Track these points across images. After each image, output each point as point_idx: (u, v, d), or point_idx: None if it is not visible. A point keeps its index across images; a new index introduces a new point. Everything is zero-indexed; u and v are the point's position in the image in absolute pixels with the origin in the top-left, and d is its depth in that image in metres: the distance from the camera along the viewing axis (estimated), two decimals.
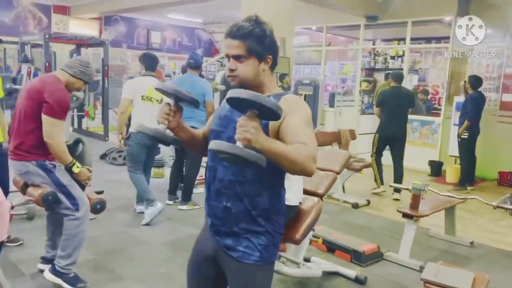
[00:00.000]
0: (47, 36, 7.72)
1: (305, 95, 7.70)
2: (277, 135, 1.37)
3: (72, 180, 2.67)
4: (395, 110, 5.45)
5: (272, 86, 1.50)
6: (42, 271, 2.81)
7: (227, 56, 1.44)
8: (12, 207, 2.96)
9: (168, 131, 1.47)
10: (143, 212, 4.26)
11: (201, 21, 13.12)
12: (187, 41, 14.16)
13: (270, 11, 5.90)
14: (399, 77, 5.63)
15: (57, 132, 2.53)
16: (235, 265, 1.44)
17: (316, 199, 2.52)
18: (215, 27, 13.15)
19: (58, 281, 2.66)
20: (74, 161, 2.63)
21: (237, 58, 1.41)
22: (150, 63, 4.27)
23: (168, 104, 1.45)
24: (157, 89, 1.47)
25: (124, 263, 3.21)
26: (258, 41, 1.41)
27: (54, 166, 2.62)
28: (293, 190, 2.18)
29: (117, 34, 12.72)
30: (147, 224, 3.99)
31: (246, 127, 1.17)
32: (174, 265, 3.16)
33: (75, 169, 2.62)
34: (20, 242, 3.34)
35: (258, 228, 1.43)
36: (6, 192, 3.20)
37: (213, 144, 1.21)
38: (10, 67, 8.67)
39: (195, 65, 4.51)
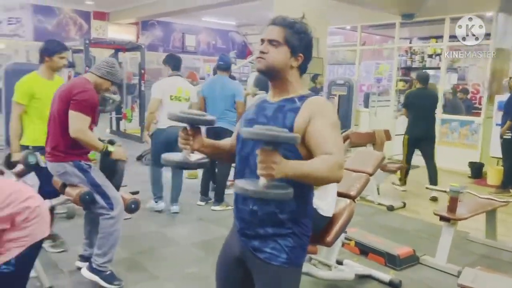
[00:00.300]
0: (87, 41, 8.01)
1: (338, 95, 7.61)
2: (303, 138, 1.37)
3: (107, 180, 2.76)
4: (420, 111, 5.44)
5: (299, 86, 1.49)
6: (80, 268, 2.90)
7: (262, 40, 1.46)
8: (52, 207, 3.08)
9: (194, 153, 1.49)
10: (177, 212, 4.35)
11: (235, 23, 13.23)
12: (221, 44, 14.32)
13: (303, 11, 5.87)
14: (424, 78, 5.64)
15: (84, 126, 2.62)
16: (262, 266, 1.44)
17: (348, 200, 2.48)
18: (249, 29, 13.24)
19: (95, 278, 2.75)
20: (106, 144, 2.73)
21: (272, 42, 1.43)
22: (175, 63, 4.39)
23: (185, 128, 1.47)
24: (169, 117, 1.47)
25: (157, 262, 3.28)
26: (296, 35, 1.44)
27: (90, 167, 2.72)
28: (327, 201, 2.16)
29: (153, 38, 13.02)
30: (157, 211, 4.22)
31: (267, 163, 1.17)
32: (206, 265, 3.19)
33: (111, 149, 2.73)
34: (60, 240, 3.46)
35: (285, 230, 1.42)
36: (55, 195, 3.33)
37: (238, 184, 1.23)
38: None
39: (224, 67, 4.58)
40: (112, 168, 2.84)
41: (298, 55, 1.46)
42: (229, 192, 4.78)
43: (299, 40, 1.44)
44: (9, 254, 1.54)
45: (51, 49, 3.19)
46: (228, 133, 4.26)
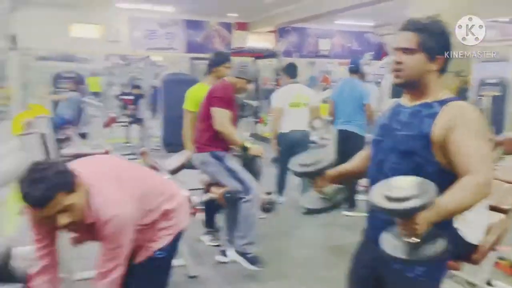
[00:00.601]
0: (229, 51, 8.67)
1: (490, 96, 6.82)
2: (443, 146, 1.29)
3: (242, 167, 2.99)
4: None
5: (438, 89, 1.40)
6: (221, 262, 3.14)
7: (395, 49, 1.40)
8: (200, 204, 3.37)
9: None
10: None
11: (372, 24, 12.84)
12: (356, 46, 14.03)
13: (445, 5, 5.41)
14: None
15: (226, 121, 2.91)
16: (396, 278, 1.38)
17: (501, 215, 2.23)
18: (386, 30, 12.72)
19: (239, 259, 2.97)
20: (244, 140, 2.99)
21: (405, 51, 1.36)
22: (292, 72, 4.62)
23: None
24: (294, 174, 1.56)
25: (289, 262, 3.37)
26: (431, 38, 1.34)
27: (224, 155, 2.99)
28: (473, 229, 1.97)
29: (288, 45, 13.40)
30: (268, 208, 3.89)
31: (409, 226, 1.13)
32: (337, 270, 3.16)
33: (248, 145, 2.98)
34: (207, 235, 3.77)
35: None
36: None
37: (387, 250, 1.20)
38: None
39: (354, 69, 4.58)
40: (251, 169, 3.03)
41: (436, 58, 1.36)
42: (361, 198, 4.66)
43: (435, 43, 1.34)
44: (162, 241, 1.78)
45: (218, 60, 3.54)
46: (355, 136, 4.22)
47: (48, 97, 8.01)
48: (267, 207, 3.10)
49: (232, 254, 3.02)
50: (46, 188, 1.35)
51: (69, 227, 1.47)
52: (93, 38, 12.14)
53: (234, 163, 3.00)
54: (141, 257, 1.78)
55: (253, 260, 2.95)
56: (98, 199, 1.51)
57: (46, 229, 1.60)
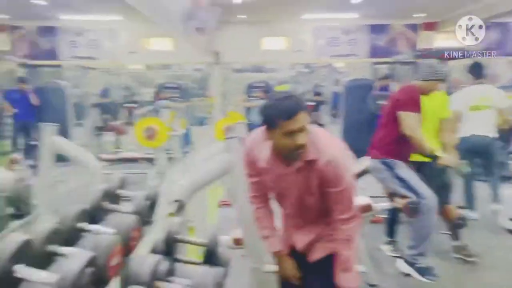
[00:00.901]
0: (418, 53, 8.22)
1: None
2: None
3: (415, 176, 2.80)
4: None
5: None
6: (402, 274, 3.02)
7: None
8: (383, 212, 3.30)
9: None
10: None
11: None
12: None
13: None
14: None
15: (416, 124, 2.75)
16: None
17: None
18: None
19: (409, 270, 2.84)
20: (433, 149, 2.77)
21: None
22: (476, 72, 4.14)
23: None
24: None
25: (476, 283, 3.09)
26: None
27: (395, 163, 2.84)
28: None
29: (488, 42, 11.94)
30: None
31: None
32: None
33: (438, 153, 2.77)
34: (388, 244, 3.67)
35: None
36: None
37: None
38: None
39: None
40: (441, 181, 2.83)
41: None
42: None
43: None
44: None
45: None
46: None
47: (242, 104, 8.98)
48: (458, 223, 2.84)
49: (401, 265, 2.89)
50: (295, 100, 1.60)
51: (301, 150, 1.64)
52: (280, 49, 13.05)
53: (406, 171, 2.84)
54: (318, 254, 1.85)
55: (422, 271, 2.77)
56: (320, 142, 1.68)
57: (262, 187, 1.87)
